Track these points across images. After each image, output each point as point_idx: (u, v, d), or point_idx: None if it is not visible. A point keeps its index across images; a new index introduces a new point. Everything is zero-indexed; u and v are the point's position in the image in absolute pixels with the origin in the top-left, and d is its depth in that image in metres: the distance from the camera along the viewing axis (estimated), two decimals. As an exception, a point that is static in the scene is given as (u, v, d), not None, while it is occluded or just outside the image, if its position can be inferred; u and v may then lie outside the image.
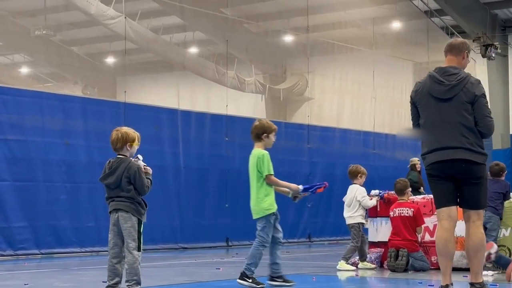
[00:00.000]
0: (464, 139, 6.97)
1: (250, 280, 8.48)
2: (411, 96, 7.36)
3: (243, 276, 8.51)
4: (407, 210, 10.86)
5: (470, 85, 7.03)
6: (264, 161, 8.75)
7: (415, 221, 10.79)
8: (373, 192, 11.77)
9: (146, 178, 7.55)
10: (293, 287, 8.62)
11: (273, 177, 8.82)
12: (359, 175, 11.70)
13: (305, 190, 8.83)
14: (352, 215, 11.40)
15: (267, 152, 8.81)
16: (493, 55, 24.72)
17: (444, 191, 7.10)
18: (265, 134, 8.91)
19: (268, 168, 8.74)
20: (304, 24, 21.95)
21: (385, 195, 11.69)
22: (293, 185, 8.86)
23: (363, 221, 11.50)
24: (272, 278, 8.70)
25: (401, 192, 11.13)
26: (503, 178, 10.61)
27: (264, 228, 8.68)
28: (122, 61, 19.70)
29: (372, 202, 11.50)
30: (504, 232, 10.70)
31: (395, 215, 10.99)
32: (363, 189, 11.58)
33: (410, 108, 7.37)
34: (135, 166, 7.50)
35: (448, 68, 7.18)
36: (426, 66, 24.63)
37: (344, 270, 10.93)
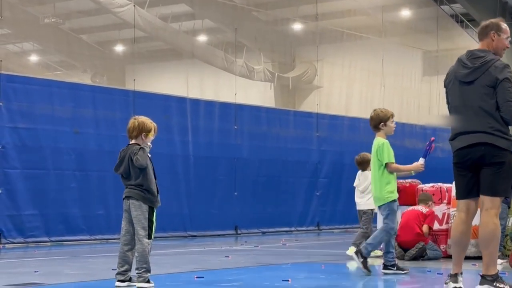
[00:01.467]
0: (485, 124, 6.76)
1: (395, 268, 8.78)
2: (444, 81, 7.23)
3: (385, 267, 8.86)
4: (422, 207, 10.87)
5: (494, 69, 6.82)
6: (384, 149, 8.88)
7: (425, 218, 10.76)
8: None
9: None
10: (408, 275, 8.64)
11: (393, 165, 8.92)
12: (369, 163, 11.72)
13: (424, 157, 8.94)
14: (366, 201, 11.48)
15: (387, 141, 8.94)
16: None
17: (465, 183, 6.92)
18: (382, 123, 8.98)
19: (388, 156, 8.87)
20: (313, 12, 21.91)
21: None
22: (414, 165, 8.95)
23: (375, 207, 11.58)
24: (386, 267, 8.86)
25: (424, 202, 11.09)
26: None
27: (388, 215, 8.82)
28: (131, 49, 19.70)
29: None
30: (511, 222, 10.70)
31: (409, 209, 10.99)
32: None
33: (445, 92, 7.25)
34: (137, 147, 7.50)
35: (476, 52, 7.01)
36: (435, 54, 24.58)
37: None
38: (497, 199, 6.82)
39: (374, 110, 9.28)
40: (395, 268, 8.82)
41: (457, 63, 7.10)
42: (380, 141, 8.99)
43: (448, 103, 7.22)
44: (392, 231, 8.85)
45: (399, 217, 11.40)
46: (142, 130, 7.64)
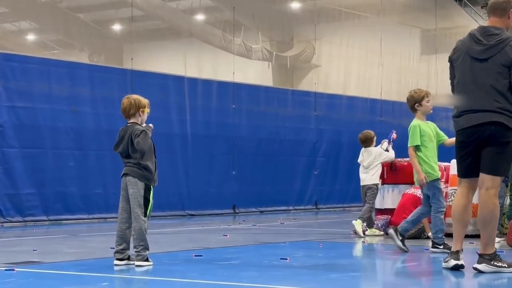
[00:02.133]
0: (495, 103, 6.66)
1: (442, 247, 8.74)
2: (449, 55, 7.07)
3: (434, 244, 8.87)
4: (420, 192, 10.83)
5: (509, 48, 6.70)
6: (410, 132, 9.03)
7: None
8: (384, 145, 11.92)
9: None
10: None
11: (411, 151, 8.99)
12: (373, 138, 11.88)
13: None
14: (371, 177, 11.61)
15: (417, 124, 8.99)
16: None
17: (469, 161, 6.86)
18: (417, 104, 9.08)
19: (412, 140, 8.98)
20: (311, -9, 21.83)
21: (393, 136, 11.95)
22: (420, 175, 8.81)
23: (379, 182, 11.69)
24: (434, 245, 8.88)
25: None
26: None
27: (435, 194, 8.87)
28: (129, 28, 19.62)
29: (392, 151, 11.81)
30: (509, 200, 10.73)
31: (409, 192, 10.98)
32: (380, 149, 11.75)
33: (449, 67, 7.11)
34: (139, 129, 7.50)
35: (490, 28, 6.85)
36: (433, 33, 24.50)
37: (356, 231, 11.09)
38: (497, 178, 6.79)
39: (409, 92, 9.35)
40: (442, 247, 8.75)
41: (469, 38, 6.93)
42: (412, 123, 9.11)
43: (452, 77, 7.07)
44: (441, 208, 8.87)
45: (396, 191, 11.55)
46: (139, 107, 7.64)
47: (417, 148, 8.97)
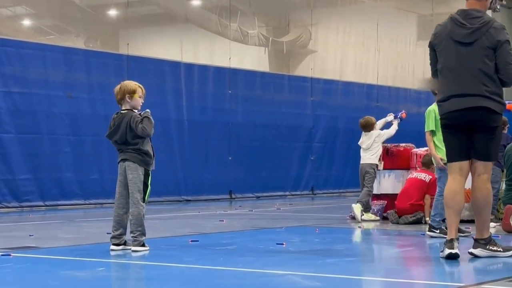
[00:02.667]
0: (483, 87, 6.64)
1: (438, 231, 8.73)
2: (430, 41, 7.02)
3: (430, 227, 8.85)
4: (425, 175, 10.80)
5: (493, 30, 6.68)
6: (425, 117, 9.11)
7: (427, 188, 10.72)
8: (390, 117, 11.93)
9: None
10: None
11: (427, 135, 9.07)
12: (374, 125, 11.91)
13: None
14: (370, 156, 11.71)
15: (433, 109, 8.92)
16: (498, 7, 24.46)
17: (457, 145, 6.82)
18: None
19: (427, 125, 9.05)
20: (307, -24, 21.78)
21: (402, 115, 12.18)
22: (436, 158, 8.89)
23: (378, 163, 11.72)
24: (430, 229, 8.86)
25: (427, 165, 11.01)
26: (505, 131, 10.62)
27: (441, 178, 8.86)
28: (125, 14, 19.55)
29: (394, 127, 11.97)
30: (504, 185, 10.75)
31: (412, 176, 10.96)
32: (379, 131, 11.91)
33: (429, 53, 7.06)
34: (129, 115, 7.47)
35: (471, 11, 6.81)
36: (430, 19, 24.43)
37: (355, 215, 11.17)
38: (489, 163, 6.80)
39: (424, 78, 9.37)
40: (438, 231, 8.73)
41: (450, 22, 6.87)
42: (428, 108, 9.16)
43: (433, 62, 7.02)
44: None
45: (392, 176, 11.61)
46: (124, 92, 7.56)
47: (432, 132, 9.00)
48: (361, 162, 11.83)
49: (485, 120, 6.69)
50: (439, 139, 8.86)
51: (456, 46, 6.81)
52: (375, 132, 11.85)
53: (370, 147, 11.74)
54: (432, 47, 7.03)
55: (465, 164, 6.84)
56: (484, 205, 6.76)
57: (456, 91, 6.79)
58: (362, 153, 11.90)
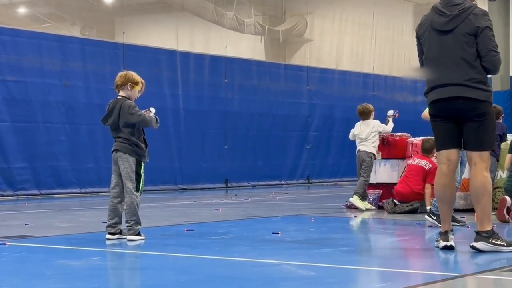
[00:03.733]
0: (464, 75, 6.54)
1: (435, 218, 8.72)
2: (415, 31, 6.98)
3: (429, 212, 8.94)
4: (426, 163, 10.79)
5: (473, 16, 6.56)
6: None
7: (427, 175, 10.72)
8: (389, 112, 12.00)
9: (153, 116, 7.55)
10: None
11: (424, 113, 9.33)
12: (371, 113, 11.85)
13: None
14: (369, 145, 11.68)
15: None
16: (494, -4, 24.44)
17: (443, 133, 6.74)
18: None
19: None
20: (304, -36, 21.72)
21: (395, 114, 12.10)
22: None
23: (376, 153, 11.71)
24: (429, 214, 8.89)
25: (427, 151, 11.00)
26: (500, 120, 10.61)
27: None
28: (121, 2, 19.49)
29: (391, 124, 11.88)
30: (500, 174, 10.77)
31: (413, 163, 10.95)
32: (378, 121, 11.84)
33: (416, 44, 7.00)
34: (127, 104, 7.49)
35: None
36: (426, 7, 24.31)
37: (357, 206, 11.24)
38: (485, 153, 6.66)
39: None
40: (435, 218, 8.69)
41: (432, 11, 6.82)
42: None
43: (420, 53, 6.95)
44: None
45: (388, 165, 11.64)
46: (128, 80, 7.62)
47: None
48: (359, 150, 11.79)
49: (469, 110, 6.59)
50: None
51: (437, 35, 6.73)
52: (374, 122, 11.82)
53: (369, 137, 11.69)
54: (418, 37, 6.97)
55: (453, 152, 6.76)
56: (482, 194, 6.59)
57: (439, 81, 6.73)
58: (359, 142, 11.85)
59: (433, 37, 6.77)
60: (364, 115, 11.89)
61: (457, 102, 6.61)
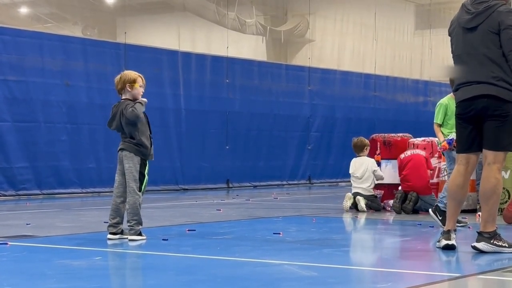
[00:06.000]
0: (489, 73, 6.44)
1: (441, 218, 8.66)
2: (448, 30, 6.90)
3: (435, 209, 8.81)
4: (420, 151, 10.89)
5: (497, 14, 6.46)
6: (436, 108, 9.23)
7: (426, 162, 10.81)
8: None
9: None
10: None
11: (435, 126, 9.20)
12: (365, 147, 11.66)
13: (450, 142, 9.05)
14: (367, 187, 11.37)
15: (445, 103, 9.09)
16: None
17: (466, 136, 6.67)
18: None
19: (436, 117, 9.17)
20: (306, -36, 21.72)
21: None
22: (444, 143, 9.02)
23: (375, 193, 11.52)
24: (434, 211, 8.80)
25: (360, 149, 11.19)
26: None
27: (451, 165, 8.79)
28: (122, 2, 19.50)
29: (383, 174, 11.51)
30: (503, 175, 10.75)
31: (406, 155, 10.98)
32: (373, 160, 11.60)
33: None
34: (124, 104, 7.48)
35: None
36: (428, 8, 24.42)
37: (361, 205, 11.16)
38: (500, 153, 6.57)
39: None
40: (441, 218, 8.60)
41: (460, 9, 6.75)
42: (440, 101, 9.28)
43: (452, 52, 6.88)
44: None
45: (389, 166, 11.62)
46: (125, 81, 7.58)
47: (440, 125, 9.10)
48: (358, 193, 11.33)
49: (492, 108, 6.49)
50: (444, 130, 8.97)
51: (463, 33, 6.67)
52: (369, 160, 11.52)
53: (364, 176, 11.38)
54: (450, 36, 6.90)
55: (473, 156, 6.71)
56: (491, 195, 6.53)
57: (464, 79, 6.66)
58: (355, 183, 11.48)
59: (460, 34, 6.71)
60: (357, 148, 11.65)
61: (481, 101, 6.52)
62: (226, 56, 18.35)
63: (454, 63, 6.85)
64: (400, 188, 10.95)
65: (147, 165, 7.60)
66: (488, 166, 6.58)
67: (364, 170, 11.41)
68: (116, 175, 7.64)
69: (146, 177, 7.58)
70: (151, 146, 7.64)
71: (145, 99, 7.59)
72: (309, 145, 20.09)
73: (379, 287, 5.23)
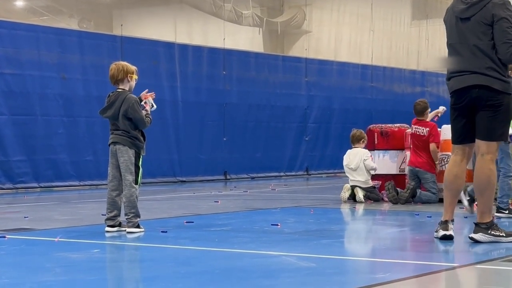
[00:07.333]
0: (481, 64, 6.43)
1: (507, 212, 8.62)
2: (443, 18, 6.88)
3: (499, 209, 8.66)
4: (422, 129, 10.89)
5: (491, 5, 6.44)
6: None
7: (429, 138, 10.82)
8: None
9: (146, 116, 7.59)
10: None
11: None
12: (362, 140, 11.64)
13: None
14: (362, 179, 11.32)
15: None
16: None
17: (460, 127, 6.67)
18: None
19: None
20: (302, -44, 21.70)
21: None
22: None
23: (373, 183, 11.48)
24: (499, 210, 8.69)
25: (421, 113, 11.07)
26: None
27: (503, 159, 8.65)
28: (118, -6, 19.49)
29: (375, 165, 11.43)
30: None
31: (412, 131, 11.11)
32: (367, 150, 11.57)
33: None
34: (132, 99, 7.52)
35: None
36: (424, -1, 24.42)
37: (359, 196, 11.17)
38: (493, 143, 6.56)
39: None
40: (507, 212, 8.61)
41: None
42: None
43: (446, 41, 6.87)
44: (510, 173, 8.67)
45: (387, 157, 11.61)
46: (127, 72, 7.63)
47: None
48: (353, 184, 11.32)
49: (484, 99, 6.48)
50: None
51: (457, 22, 6.66)
52: (363, 151, 11.48)
53: (358, 168, 11.31)
54: (445, 24, 6.89)
55: (468, 148, 6.71)
56: (486, 186, 6.53)
57: (456, 68, 6.65)
58: (350, 173, 11.42)
59: (453, 24, 6.70)
60: (355, 139, 11.61)
61: (473, 91, 6.52)
62: (222, 48, 18.33)
63: (447, 51, 6.84)
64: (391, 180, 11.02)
65: (142, 157, 7.61)
66: (481, 157, 6.56)
67: (358, 161, 11.37)
68: (109, 168, 7.64)
69: (141, 169, 7.59)
70: (144, 140, 7.66)
71: (154, 105, 7.73)
72: (306, 136, 20.09)
73: (377, 277, 5.24)
